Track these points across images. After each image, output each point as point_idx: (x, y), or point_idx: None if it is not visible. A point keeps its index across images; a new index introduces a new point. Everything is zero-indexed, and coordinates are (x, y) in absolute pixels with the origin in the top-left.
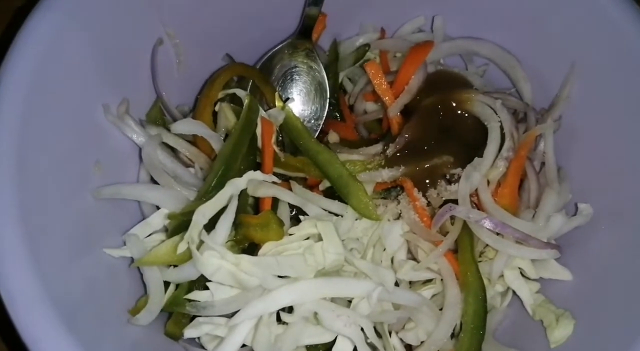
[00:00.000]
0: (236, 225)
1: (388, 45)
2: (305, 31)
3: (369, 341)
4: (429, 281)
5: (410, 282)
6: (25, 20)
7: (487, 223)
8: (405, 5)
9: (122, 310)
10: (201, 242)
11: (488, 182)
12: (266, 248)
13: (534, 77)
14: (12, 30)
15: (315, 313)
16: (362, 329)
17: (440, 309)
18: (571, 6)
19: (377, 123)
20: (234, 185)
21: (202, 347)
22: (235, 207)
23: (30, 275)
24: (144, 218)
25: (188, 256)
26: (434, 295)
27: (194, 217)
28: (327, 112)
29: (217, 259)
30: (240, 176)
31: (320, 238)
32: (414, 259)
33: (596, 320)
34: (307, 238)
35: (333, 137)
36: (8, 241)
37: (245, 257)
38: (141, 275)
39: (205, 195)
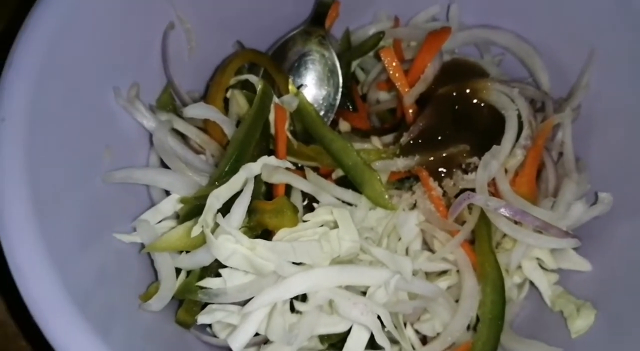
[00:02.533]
0: (250, 211)
1: (402, 33)
2: (318, 18)
3: (386, 330)
4: (444, 272)
5: (425, 273)
6: (36, 2)
7: (506, 211)
8: None
9: (133, 296)
10: (215, 226)
11: (506, 171)
12: (280, 234)
13: (551, 66)
14: (23, 13)
15: (330, 302)
16: (379, 318)
17: (456, 301)
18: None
19: (389, 113)
20: (249, 170)
21: (214, 336)
22: (251, 190)
23: (43, 260)
24: (153, 205)
25: (201, 241)
26: (449, 287)
27: (209, 201)
28: (340, 102)
29: (232, 243)
30: (254, 161)
31: (335, 226)
32: (430, 250)
33: (617, 311)
34: (322, 226)
35: (344, 126)
36: (20, 226)
37: (260, 242)
38: (152, 261)
39: (219, 179)
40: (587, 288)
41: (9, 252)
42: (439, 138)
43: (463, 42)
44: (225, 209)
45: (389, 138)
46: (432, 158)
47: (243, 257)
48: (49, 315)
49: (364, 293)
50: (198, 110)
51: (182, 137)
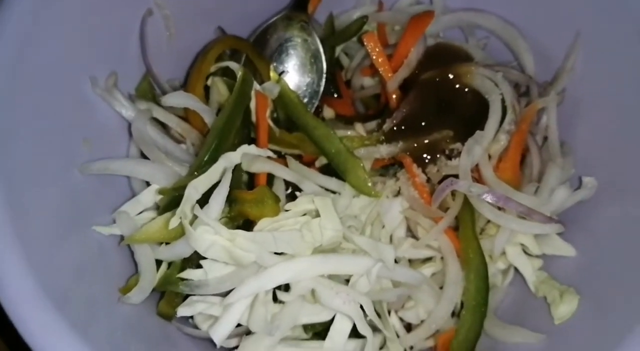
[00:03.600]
0: (230, 201)
1: (386, 17)
2: (300, 3)
3: (368, 319)
4: (428, 259)
5: (409, 260)
6: None
7: (490, 197)
8: None
9: (113, 289)
10: (194, 218)
11: (489, 156)
12: (262, 224)
13: (536, 49)
14: None
15: (313, 291)
16: (361, 307)
17: (441, 288)
18: None
19: (374, 99)
20: (228, 159)
21: (196, 327)
22: (229, 181)
23: (17, 257)
24: (134, 196)
25: (180, 232)
26: (433, 274)
27: (187, 191)
28: (323, 87)
29: (211, 235)
30: (234, 150)
31: (317, 215)
32: (414, 237)
33: (601, 296)
34: (304, 215)
35: (328, 113)
36: None
37: (240, 233)
38: (132, 253)
39: (198, 169)
40: (572, 274)
41: None
42: (423, 124)
43: (447, 26)
44: (204, 200)
45: (372, 124)
46: (415, 144)
47: (222, 248)
48: (25, 314)
49: (347, 282)
50: (177, 99)
51: (163, 126)
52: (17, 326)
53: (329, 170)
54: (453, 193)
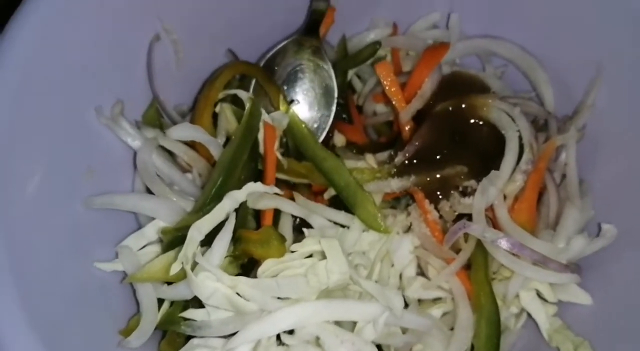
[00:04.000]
0: (235, 240)
1: (400, 42)
2: (312, 27)
3: None
4: (439, 299)
5: (419, 300)
6: (13, 15)
7: (504, 243)
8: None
9: (113, 331)
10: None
11: (505, 196)
12: (266, 265)
13: (556, 81)
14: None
15: (317, 338)
16: None
17: (451, 329)
18: (598, 4)
19: (386, 125)
20: (233, 198)
21: None
22: (233, 224)
23: (10, 293)
24: (139, 227)
25: (183, 274)
26: (444, 313)
27: (189, 233)
28: (335, 113)
29: (212, 282)
30: (240, 187)
31: (323, 256)
32: (423, 275)
33: (614, 347)
34: (310, 256)
35: (339, 139)
36: None
37: (242, 279)
38: (134, 290)
39: (202, 208)
40: (587, 323)
41: None
42: (436, 158)
43: (464, 53)
44: (208, 240)
45: (384, 155)
46: (428, 179)
47: (224, 296)
48: None
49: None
50: (183, 132)
51: (169, 154)
52: None
53: (339, 200)
54: (466, 234)
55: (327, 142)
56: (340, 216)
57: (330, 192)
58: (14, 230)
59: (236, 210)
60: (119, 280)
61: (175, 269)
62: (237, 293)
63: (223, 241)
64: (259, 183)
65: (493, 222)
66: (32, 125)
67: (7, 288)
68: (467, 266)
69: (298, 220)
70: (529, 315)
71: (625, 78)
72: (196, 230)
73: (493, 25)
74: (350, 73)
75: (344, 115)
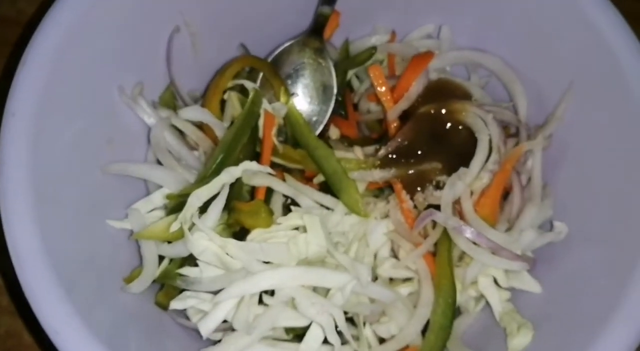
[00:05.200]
0: (229, 209)
1: (395, 49)
2: (316, 29)
3: (339, 329)
4: (408, 279)
5: (390, 279)
6: (50, 9)
7: (465, 231)
8: (417, 11)
9: (118, 278)
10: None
11: (472, 192)
12: (254, 234)
13: (532, 93)
14: (39, 15)
15: (293, 299)
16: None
17: (415, 306)
18: (573, 30)
19: (378, 123)
20: (229, 173)
21: (188, 319)
22: (227, 194)
23: (36, 239)
24: (148, 194)
25: (181, 234)
26: (411, 293)
27: (189, 199)
28: (334, 107)
29: (205, 240)
30: (238, 164)
31: (306, 230)
32: (396, 257)
33: (555, 332)
34: (295, 229)
35: (334, 132)
36: (19, 205)
37: (231, 241)
38: (139, 247)
39: (203, 180)
40: (535, 309)
41: (9, 236)
42: (416, 154)
43: (453, 62)
44: (205, 207)
45: (370, 149)
46: (407, 172)
47: (214, 253)
48: (37, 296)
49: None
50: (193, 113)
51: (180, 133)
52: (31, 305)
53: (327, 186)
54: (434, 222)
55: (323, 134)
56: (326, 199)
57: (319, 178)
58: (43, 186)
59: (232, 185)
60: (127, 237)
61: (174, 227)
62: (227, 254)
63: (217, 206)
64: (254, 163)
65: (460, 213)
66: (65, 97)
67: (33, 236)
68: (435, 253)
69: (289, 200)
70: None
71: (591, 94)
72: (195, 197)
73: (481, 39)
74: (350, 73)
75: (342, 111)
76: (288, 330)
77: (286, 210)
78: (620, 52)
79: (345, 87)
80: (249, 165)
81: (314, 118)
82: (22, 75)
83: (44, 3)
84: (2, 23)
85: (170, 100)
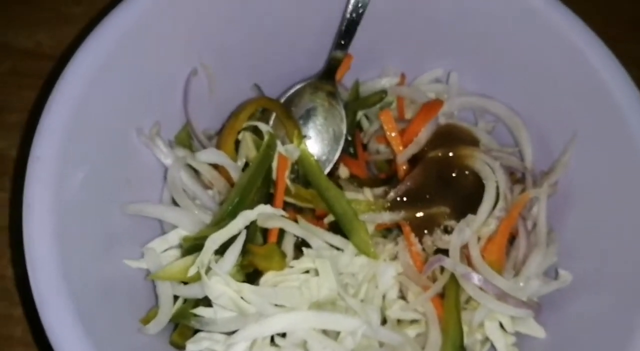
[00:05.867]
0: (244, 252)
1: (405, 92)
2: (329, 72)
3: None
4: (415, 321)
5: (398, 320)
6: (80, 45)
7: (472, 278)
8: (426, 55)
9: (135, 318)
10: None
11: (479, 238)
12: (267, 276)
13: (537, 140)
14: (74, 44)
15: (305, 342)
16: None
17: (422, 348)
18: (577, 80)
19: (386, 163)
20: (245, 217)
21: None
22: (243, 239)
23: (58, 277)
24: (163, 233)
25: (198, 277)
26: (418, 334)
27: (206, 244)
28: (343, 147)
29: (222, 285)
30: (253, 207)
31: (317, 272)
32: (404, 299)
33: None
34: (307, 272)
35: (344, 172)
36: (42, 246)
37: (246, 286)
38: (154, 286)
39: (219, 222)
40: None
41: (32, 273)
42: (424, 197)
43: (461, 107)
44: (222, 249)
45: (380, 190)
46: (416, 215)
47: (230, 298)
48: (57, 333)
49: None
50: (209, 156)
51: (195, 172)
52: (49, 337)
53: (337, 225)
54: (442, 267)
55: (333, 173)
56: (336, 240)
57: (330, 218)
58: (65, 227)
59: (247, 227)
60: (143, 276)
61: (192, 272)
62: (242, 297)
63: (234, 252)
64: (268, 206)
65: (467, 258)
66: (86, 140)
67: (55, 275)
68: (442, 295)
69: (300, 239)
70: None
71: (595, 142)
72: (212, 241)
73: (488, 85)
74: (360, 114)
75: (351, 150)
76: None
77: (297, 249)
78: (622, 102)
79: (355, 127)
80: (264, 208)
81: (324, 157)
82: (47, 121)
83: (63, 37)
84: (22, 55)
85: (186, 139)
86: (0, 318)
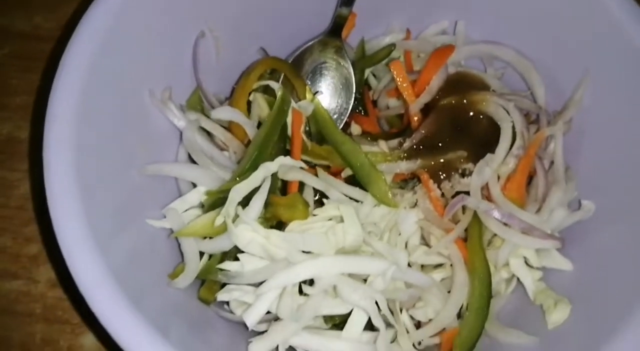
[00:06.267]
0: (266, 204)
1: (412, 45)
2: (335, 30)
3: (381, 314)
4: (439, 265)
5: (422, 266)
6: (83, 17)
7: (495, 214)
8: (430, 9)
9: (163, 274)
10: (235, 217)
11: (498, 177)
12: (292, 226)
13: (548, 81)
14: (75, 20)
15: (334, 287)
16: (376, 303)
17: (449, 291)
18: (587, 18)
19: (397, 118)
20: (267, 168)
21: (231, 312)
22: (269, 187)
23: (88, 241)
24: (180, 195)
25: (223, 229)
26: (443, 279)
27: (230, 194)
28: (352, 106)
29: (249, 232)
30: (272, 160)
31: (341, 221)
32: (427, 245)
33: (590, 306)
34: (330, 220)
35: (355, 129)
36: (68, 213)
37: (274, 232)
38: (179, 245)
39: (240, 176)
40: (567, 285)
41: (59, 234)
42: (440, 144)
43: (468, 56)
44: (244, 202)
45: (394, 142)
46: (432, 162)
47: (259, 244)
48: (92, 289)
49: (365, 281)
50: (225, 113)
51: (208, 135)
52: (86, 299)
53: (353, 180)
54: (464, 208)
55: (345, 131)
56: (355, 192)
57: (346, 172)
58: (88, 193)
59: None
60: (167, 236)
61: (218, 222)
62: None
63: (260, 199)
64: (288, 157)
65: (488, 199)
66: (101, 101)
67: (86, 237)
68: (465, 239)
69: (317, 195)
70: (518, 281)
71: (607, 79)
72: (236, 192)
73: (495, 32)
74: (367, 71)
75: (360, 109)
76: (327, 319)
77: (317, 205)
78: (635, 36)
79: (364, 85)
80: (284, 160)
81: (335, 116)
82: (61, 81)
83: (60, 18)
84: (21, 39)
85: (198, 104)
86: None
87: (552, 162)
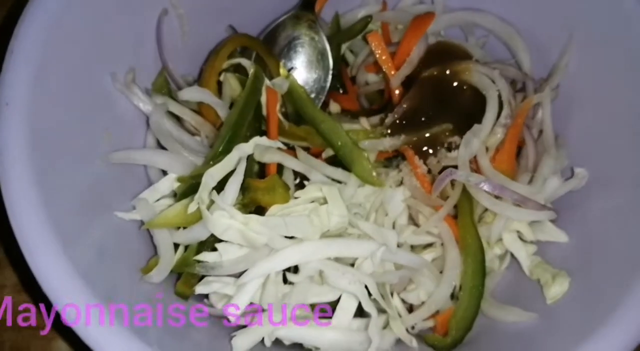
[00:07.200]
0: (243, 189)
1: (390, 17)
2: (307, 3)
3: (372, 298)
4: (429, 245)
5: (411, 246)
6: None
7: (486, 186)
8: None
9: (134, 270)
10: (211, 203)
11: (487, 149)
12: (273, 210)
13: (533, 48)
14: (19, 6)
15: (320, 273)
16: (366, 288)
17: (441, 272)
18: None
19: (378, 94)
20: (241, 150)
21: (211, 306)
22: (244, 169)
23: (49, 238)
24: (150, 184)
25: (197, 217)
26: (434, 259)
27: (204, 179)
28: (330, 84)
29: (226, 219)
30: (247, 142)
31: (324, 202)
32: (415, 224)
33: (589, 278)
34: (312, 202)
35: (335, 107)
36: (26, 208)
37: (253, 217)
38: (151, 237)
39: (213, 159)
40: (564, 258)
41: (18, 232)
42: (423, 118)
43: (448, 24)
44: (219, 187)
45: (376, 119)
46: (417, 137)
47: (237, 231)
48: (57, 290)
49: (352, 265)
50: (193, 93)
51: (177, 120)
52: (51, 300)
53: (335, 161)
54: (452, 183)
55: (324, 109)
56: (338, 172)
57: (328, 153)
58: (46, 182)
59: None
60: (137, 228)
61: (192, 209)
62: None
63: (235, 182)
64: (264, 137)
65: (477, 171)
66: (57, 86)
67: (46, 229)
68: (455, 216)
69: (298, 179)
70: (512, 256)
71: (593, 44)
72: (209, 176)
73: (475, 1)
74: (344, 47)
75: (339, 86)
76: (314, 308)
77: (297, 188)
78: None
79: (341, 62)
80: (260, 140)
81: (313, 95)
82: (11, 64)
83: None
84: None
85: (164, 86)
86: None
87: (540, 131)
